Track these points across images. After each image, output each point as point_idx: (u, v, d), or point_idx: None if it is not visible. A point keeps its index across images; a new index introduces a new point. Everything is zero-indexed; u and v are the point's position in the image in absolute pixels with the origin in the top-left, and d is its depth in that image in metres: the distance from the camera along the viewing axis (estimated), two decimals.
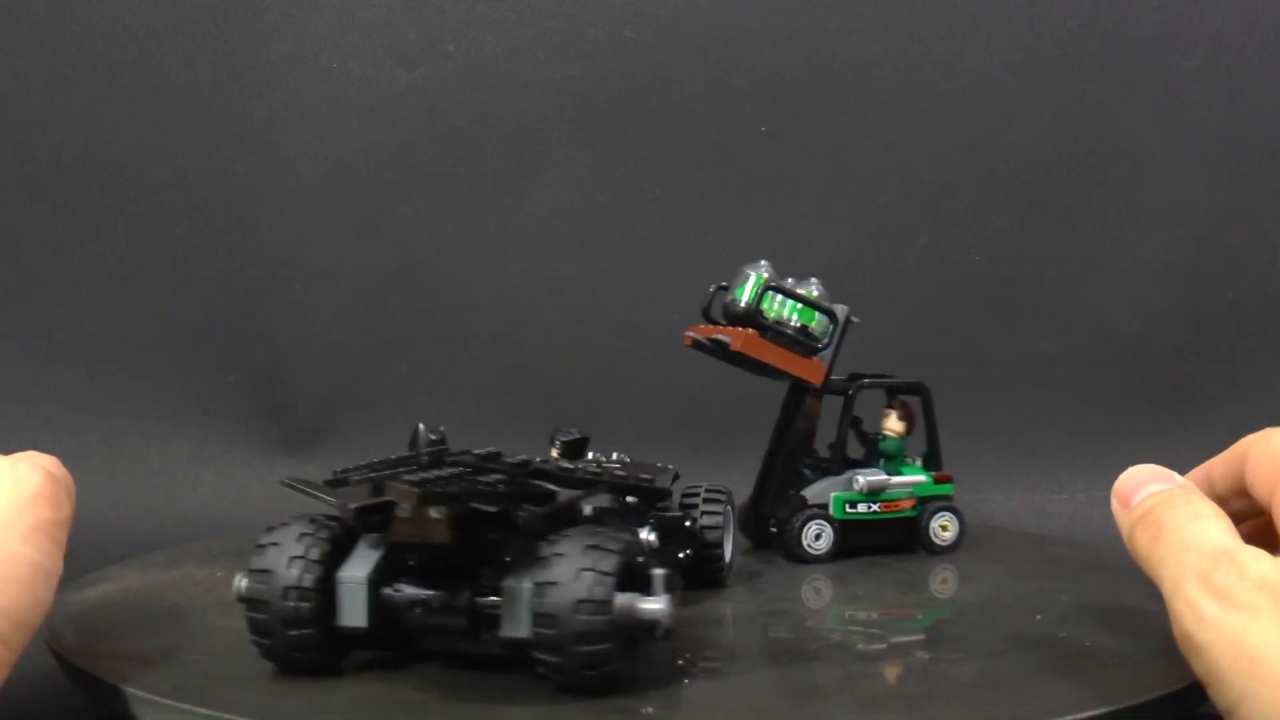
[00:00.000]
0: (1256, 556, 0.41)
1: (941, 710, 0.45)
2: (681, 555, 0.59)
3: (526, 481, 0.47)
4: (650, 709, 0.44)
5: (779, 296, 0.68)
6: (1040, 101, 1.01)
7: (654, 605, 0.43)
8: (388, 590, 0.46)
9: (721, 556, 0.63)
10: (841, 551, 0.70)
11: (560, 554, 0.44)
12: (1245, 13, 1.00)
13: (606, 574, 0.43)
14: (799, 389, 0.72)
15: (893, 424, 0.72)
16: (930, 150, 1.02)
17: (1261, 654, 0.39)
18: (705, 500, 0.62)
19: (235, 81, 1.02)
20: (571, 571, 0.43)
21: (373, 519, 0.47)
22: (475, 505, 0.45)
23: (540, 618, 0.43)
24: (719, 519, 0.62)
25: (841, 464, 0.71)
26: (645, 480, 0.54)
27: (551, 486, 0.47)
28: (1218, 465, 0.50)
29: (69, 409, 0.99)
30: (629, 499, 0.54)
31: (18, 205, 1.02)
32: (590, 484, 0.50)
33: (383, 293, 1.03)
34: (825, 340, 0.69)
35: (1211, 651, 0.40)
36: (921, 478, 0.72)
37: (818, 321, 0.69)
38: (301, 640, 0.46)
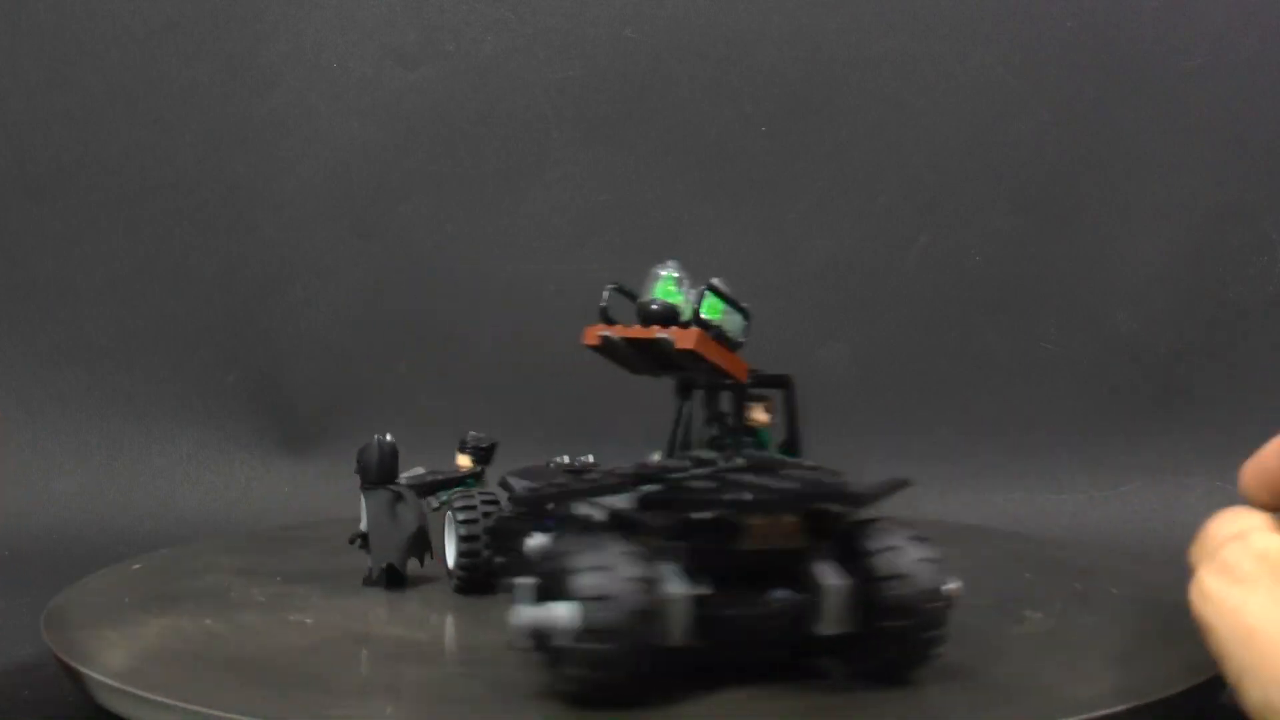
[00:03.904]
0: (1266, 534, 0.41)
1: (953, 709, 0.45)
2: None
3: (836, 482, 0.48)
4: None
5: (710, 296, 0.68)
6: (1040, 101, 1.01)
7: (957, 586, 0.45)
8: (708, 604, 0.44)
9: None
10: None
11: (894, 546, 0.45)
12: (1245, 13, 1.00)
13: (941, 561, 0.45)
14: (686, 387, 0.72)
15: (758, 414, 0.73)
16: (930, 150, 1.02)
17: (1258, 626, 0.39)
18: None
19: (235, 81, 1.02)
20: (913, 562, 0.45)
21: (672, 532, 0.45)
22: (818, 505, 0.46)
23: (887, 610, 0.44)
24: None
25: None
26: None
27: (858, 486, 0.47)
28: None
29: (69, 409, 0.99)
30: None
31: (18, 205, 1.02)
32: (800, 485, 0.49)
33: (383, 293, 1.03)
34: (741, 338, 0.70)
35: (1216, 627, 0.40)
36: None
37: (730, 321, 0.69)
38: (641, 665, 0.42)
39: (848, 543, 0.46)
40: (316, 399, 1.02)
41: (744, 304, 0.69)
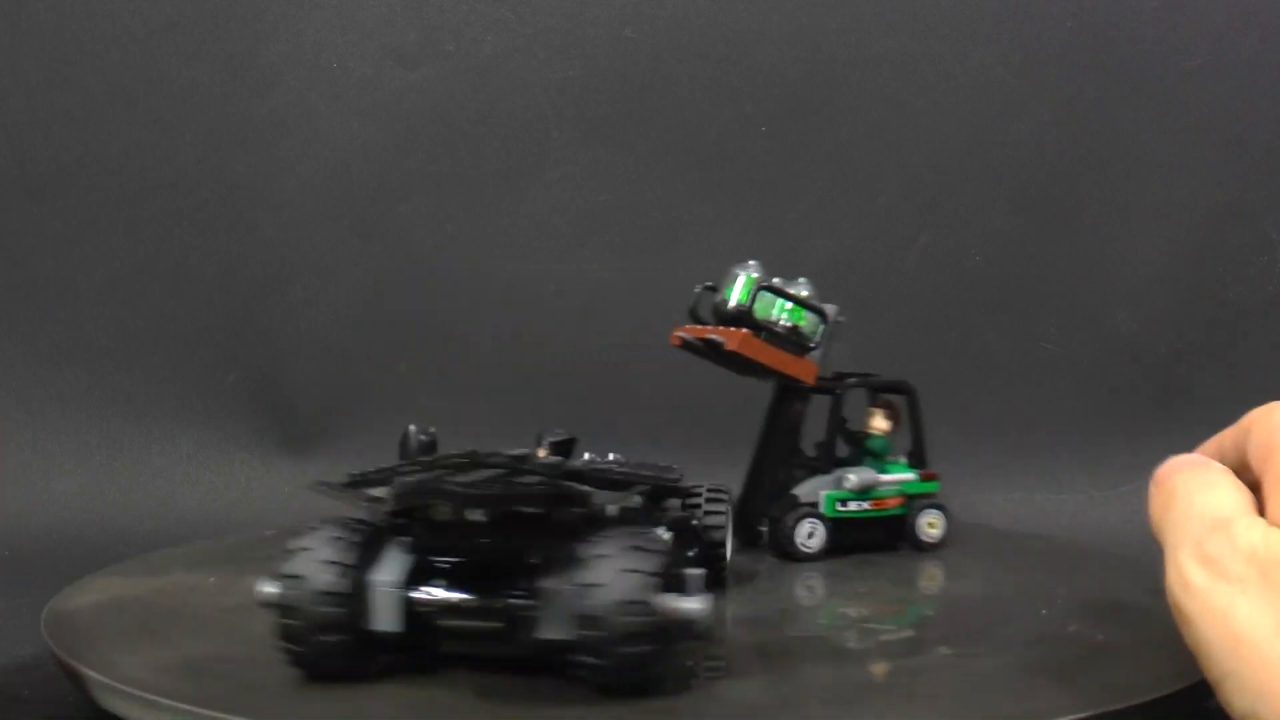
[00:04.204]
0: (1250, 525, 0.40)
1: (951, 707, 0.45)
2: (690, 554, 0.59)
3: (562, 482, 0.47)
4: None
5: (769, 296, 0.68)
6: (1040, 101, 1.01)
7: (694, 605, 0.43)
8: (420, 594, 0.46)
9: (724, 556, 0.63)
10: (831, 549, 0.70)
11: (603, 555, 0.44)
12: (1245, 13, 1.00)
13: (650, 574, 0.43)
14: (785, 389, 0.72)
15: (879, 422, 0.72)
16: (930, 150, 1.02)
17: (1246, 632, 0.38)
18: (708, 500, 0.63)
19: (235, 81, 1.02)
20: (615, 572, 0.43)
21: (400, 522, 0.47)
22: (517, 507, 0.45)
23: (583, 619, 0.43)
24: (721, 518, 0.62)
25: (830, 463, 0.71)
26: (671, 480, 0.54)
27: (585, 488, 0.47)
28: (1228, 436, 0.48)
29: (69, 409, 0.99)
30: (636, 500, 0.53)
31: (18, 205, 1.02)
32: (624, 485, 0.50)
33: (383, 293, 1.03)
34: (815, 340, 0.70)
35: (1199, 623, 0.39)
36: (909, 475, 0.72)
37: (807, 321, 0.69)
38: (334, 646, 0.45)
39: (578, 550, 0.45)
40: (316, 399, 1.02)
41: (818, 304, 0.69)
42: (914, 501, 0.72)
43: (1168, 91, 1.01)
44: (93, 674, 0.48)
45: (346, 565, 0.45)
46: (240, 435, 1.00)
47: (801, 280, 0.70)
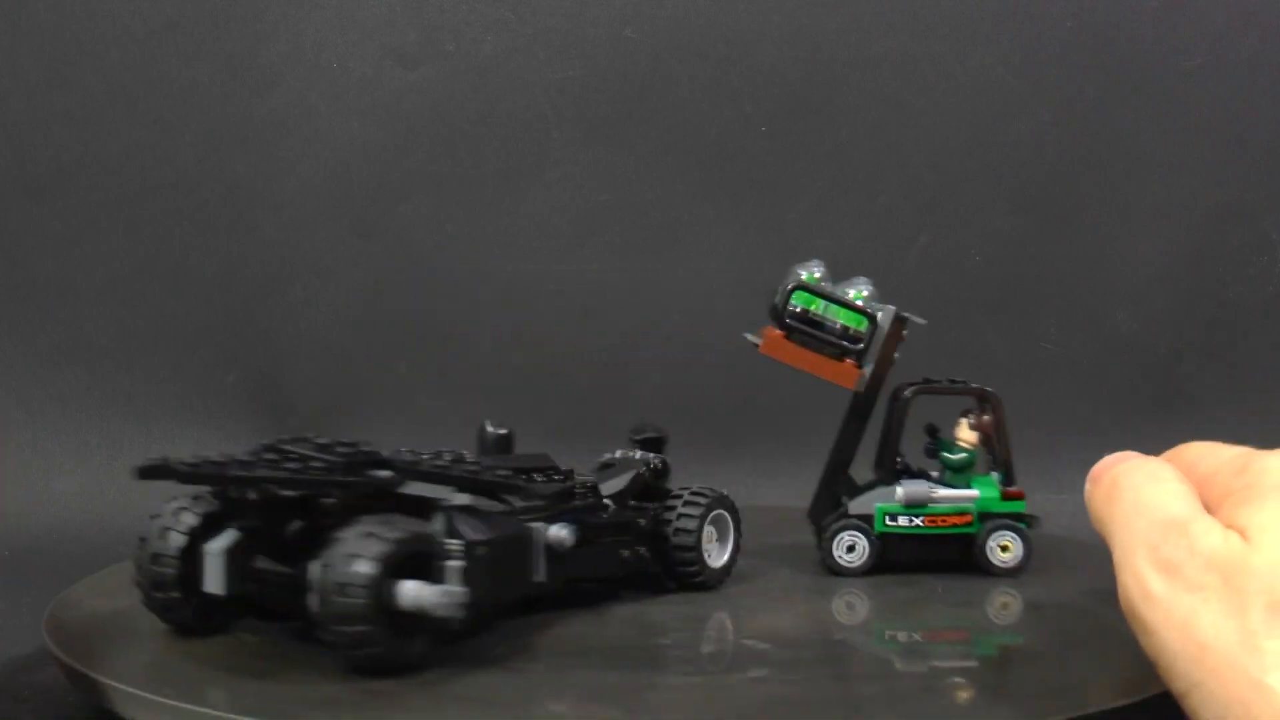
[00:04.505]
0: (1208, 528, 0.39)
1: (946, 706, 0.45)
2: (628, 553, 0.59)
3: (358, 470, 0.49)
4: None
5: (804, 295, 0.65)
6: (1040, 101, 1.01)
7: (428, 594, 0.45)
8: (240, 563, 0.50)
9: (694, 560, 0.62)
10: (881, 566, 0.66)
11: (339, 538, 0.46)
12: (1245, 13, 1.00)
13: (372, 559, 0.45)
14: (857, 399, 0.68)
15: (962, 434, 0.67)
16: (930, 150, 1.02)
17: (1210, 641, 0.37)
18: (685, 503, 0.62)
19: (235, 81, 1.02)
20: (341, 555, 0.45)
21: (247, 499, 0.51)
22: (269, 489, 0.49)
23: (316, 597, 0.46)
24: (694, 521, 0.61)
25: (892, 473, 0.67)
26: (503, 477, 0.53)
27: (386, 474, 0.49)
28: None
29: (69, 409, 0.99)
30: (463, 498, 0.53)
31: (18, 205, 1.02)
32: (430, 477, 0.51)
33: (383, 293, 1.03)
34: (865, 342, 0.65)
35: (1160, 633, 0.38)
36: (976, 492, 0.66)
37: (859, 322, 0.66)
38: (167, 601, 0.51)
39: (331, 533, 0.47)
40: (316, 399, 1.02)
41: (863, 305, 0.65)
42: (988, 521, 0.66)
43: (1168, 91, 1.01)
44: (93, 674, 0.48)
45: (181, 532, 0.51)
46: (240, 435, 1.00)
47: (860, 280, 0.67)
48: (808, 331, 0.65)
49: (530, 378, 1.00)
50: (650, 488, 0.63)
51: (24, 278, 1.01)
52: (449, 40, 1.03)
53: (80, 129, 1.02)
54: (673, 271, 1.01)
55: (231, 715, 0.43)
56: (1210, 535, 0.38)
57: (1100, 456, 0.47)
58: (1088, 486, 0.46)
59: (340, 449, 0.50)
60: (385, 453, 0.51)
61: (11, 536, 0.87)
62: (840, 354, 0.65)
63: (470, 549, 0.48)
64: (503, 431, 0.59)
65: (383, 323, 1.03)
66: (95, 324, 1.01)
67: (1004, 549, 0.66)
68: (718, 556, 0.64)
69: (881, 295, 0.68)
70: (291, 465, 0.49)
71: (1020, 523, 0.66)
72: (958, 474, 0.67)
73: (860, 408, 0.67)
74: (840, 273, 0.68)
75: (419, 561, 0.46)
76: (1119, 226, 1.01)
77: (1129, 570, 0.40)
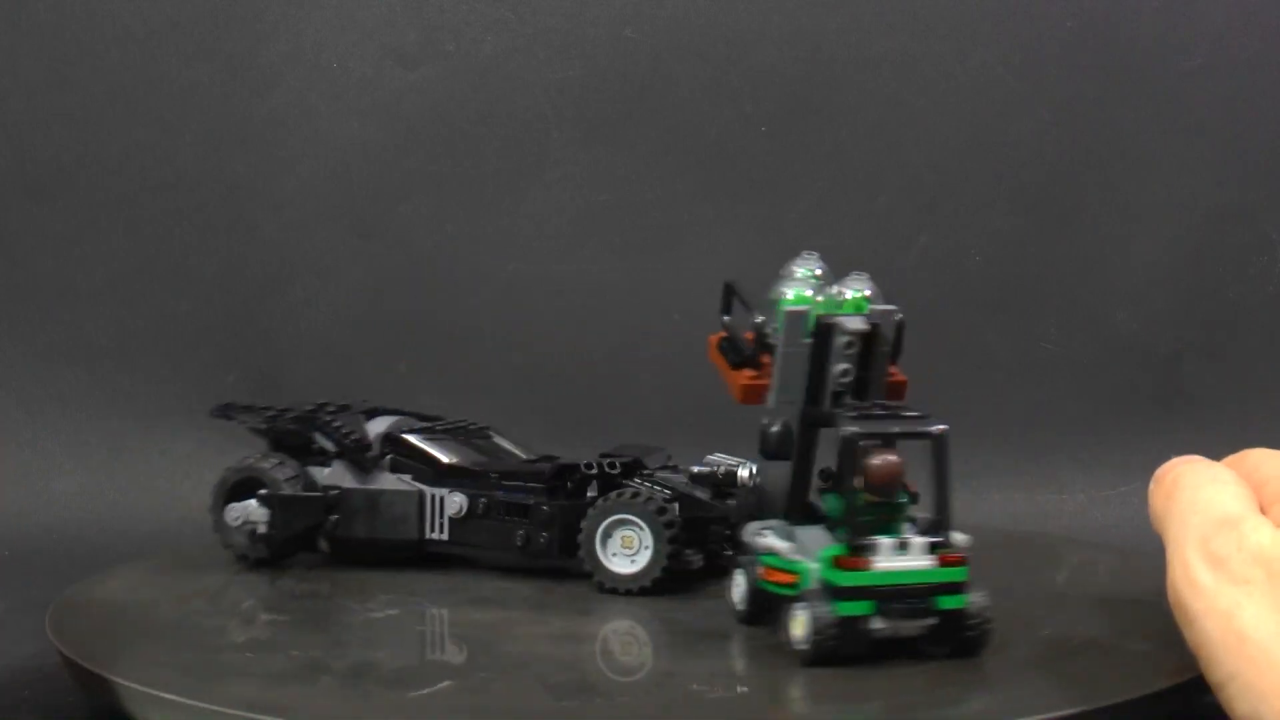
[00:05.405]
0: (1258, 526, 0.40)
1: (941, 701, 0.45)
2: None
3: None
4: None
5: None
6: (1040, 101, 1.01)
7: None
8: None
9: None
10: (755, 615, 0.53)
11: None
12: (1245, 13, 1.00)
13: None
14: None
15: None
16: (930, 150, 1.02)
17: (1251, 632, 0.37)
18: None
19: (235, 81, 1.02)
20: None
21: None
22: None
23: None
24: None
25: (801, 513, 0.52)
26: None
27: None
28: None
29: (69, 409, 0.99)
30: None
31: (18, 205, 1.02)
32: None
33: (383, 293, 1.03)
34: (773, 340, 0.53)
35: (1203, 622, 0.39)
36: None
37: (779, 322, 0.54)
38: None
39: None
40: (316, 399, 1.02)
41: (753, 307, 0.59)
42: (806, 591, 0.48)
43: (1168, 91, 1.01)
44: (95, 672, 0.48)
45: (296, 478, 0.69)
46: (240, 435, 1.00)
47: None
48: (731, 339, 0.55)
49: (530, 378, 1.00)
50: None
51: (24, 278, 1.01)
52: (449, 40, 1.03)
53: (80, 129, 1.02)
54: (673, 271, 1.01)
55: (238, 713, 0.43)
56: (1260, 532, 0.39)
57: (1100, 456, 0.48)
58: (1151, 485, 0.47)
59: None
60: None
61: (11, 536, 0.87)
62: (736, 361, 0.54)
63: None
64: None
65: (383, 323, 1.03)
66: (95, 324, 1.01)
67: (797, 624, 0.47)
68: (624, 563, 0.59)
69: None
70: None
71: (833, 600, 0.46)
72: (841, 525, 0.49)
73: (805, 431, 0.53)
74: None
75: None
76: (1119, 226, 1.01)
77: (1178, 560, 0.41)
